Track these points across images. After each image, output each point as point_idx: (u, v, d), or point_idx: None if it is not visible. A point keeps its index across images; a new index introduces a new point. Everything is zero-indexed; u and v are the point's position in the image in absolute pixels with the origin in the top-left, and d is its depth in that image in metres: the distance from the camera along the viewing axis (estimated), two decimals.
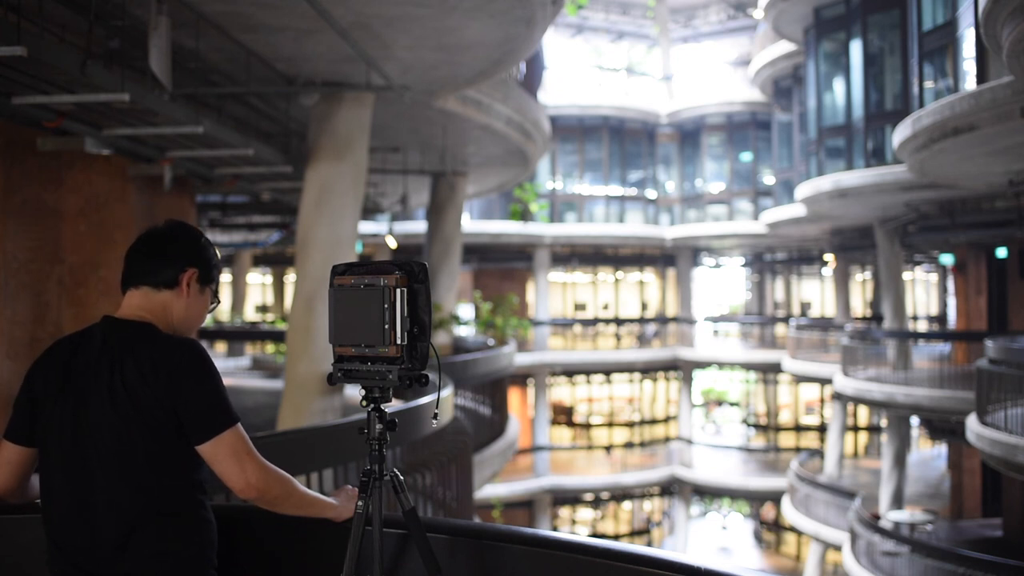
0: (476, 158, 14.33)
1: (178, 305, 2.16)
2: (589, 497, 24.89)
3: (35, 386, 2.10)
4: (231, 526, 2.28)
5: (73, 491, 2.03)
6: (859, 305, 29.32)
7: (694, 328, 26.73)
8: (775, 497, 22.79)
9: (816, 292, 32.14)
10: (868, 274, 28.69)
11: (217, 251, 2.28)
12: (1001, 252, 16.86)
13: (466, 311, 20.28)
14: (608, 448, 25.80)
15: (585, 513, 25.92)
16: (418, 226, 19.52)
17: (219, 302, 2.28)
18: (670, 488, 25.77)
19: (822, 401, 26.50)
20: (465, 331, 17.77)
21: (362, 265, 2.18)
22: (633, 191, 26.18)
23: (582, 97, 25.42)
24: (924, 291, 32.46)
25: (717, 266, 32.20)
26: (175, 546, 2.02)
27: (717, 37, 27.95)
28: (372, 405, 2.19)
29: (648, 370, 26.71)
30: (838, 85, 16.13)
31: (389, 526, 2.27)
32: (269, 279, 30.39)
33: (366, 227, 18.89)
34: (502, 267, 26.00)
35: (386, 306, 2.10)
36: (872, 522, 14.45)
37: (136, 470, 2.00)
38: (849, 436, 24.32)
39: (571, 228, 24.80)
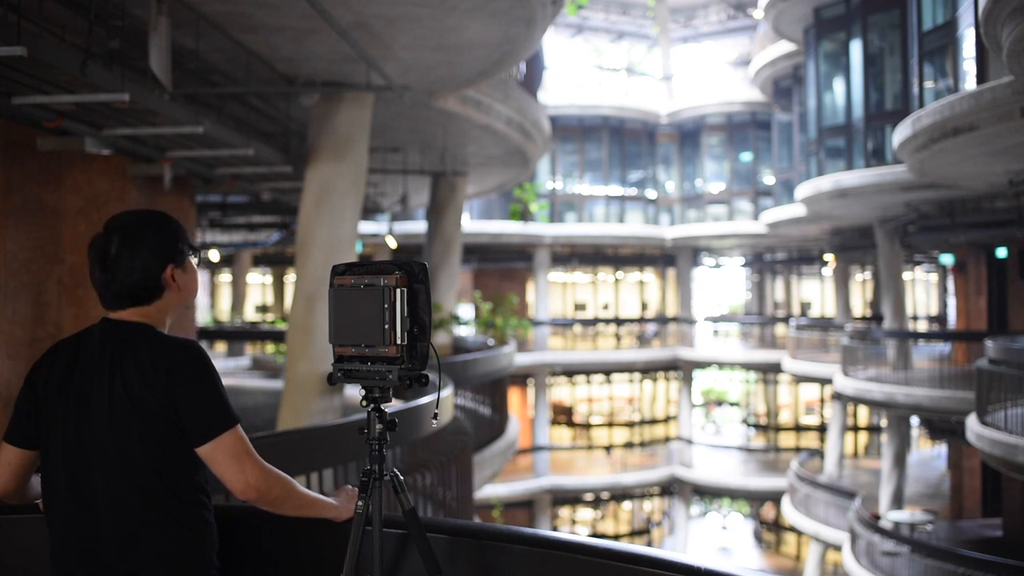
0: (476, 158, 14.33)
1: (172, 296, 2.14)
2: (589, 497, 24.89)
3: (36, 387, 2.10)
4: (231, 527, 2.28)
5: (75, 492, 2.03)
6: (859, 305, 29.32)
7: (694, 328, 26.73)
8: (775, 497, 22.78)
9: (816, 292, 32.15)
10: (868, 274, 28.69)
11: (176, 225, 2.16)
12: (1001, 252, 16.86)
13: (466, 311, 20.28)
14: (608, 448, 25.80)
15: (585, 513, 25.92)
16: (418, 226, 19.52)
17: (202, 254, 2.25)
18: (670, 488, 25.77)
19: (822, 401, 26.50)
20: (465, 331, 17.77)
21: (362, 265, 2.18)
22: (633, 191, 26.18)
23: (582, 97, 25.42)
24: (924, 291, 32.46)
25: (717, 266, 32.21)
26: (177, 547, 2.02)
27: (717, 37, 27.95)
28: (372, 405, 2.19)
29: (648, 370, 26.71)
30: (838, 85, 16.13)
31: (389, 526, 2.27)
32: (269, 279, 30.40)
33: (366, 227, 18.89)
34: (502, 267, 26.00)
35: (386, 306, 2.10)
36: (872, 522, 14.45)
37: (137, 471, 2.00)
38: (849, 436, 24.32)
39: (571, 228, 24.80)
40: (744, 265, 31.93)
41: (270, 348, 21.04)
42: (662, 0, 26.75)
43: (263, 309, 30.15)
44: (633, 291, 29.64)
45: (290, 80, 9.03)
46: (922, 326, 28.85)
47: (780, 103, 21.01)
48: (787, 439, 27.22)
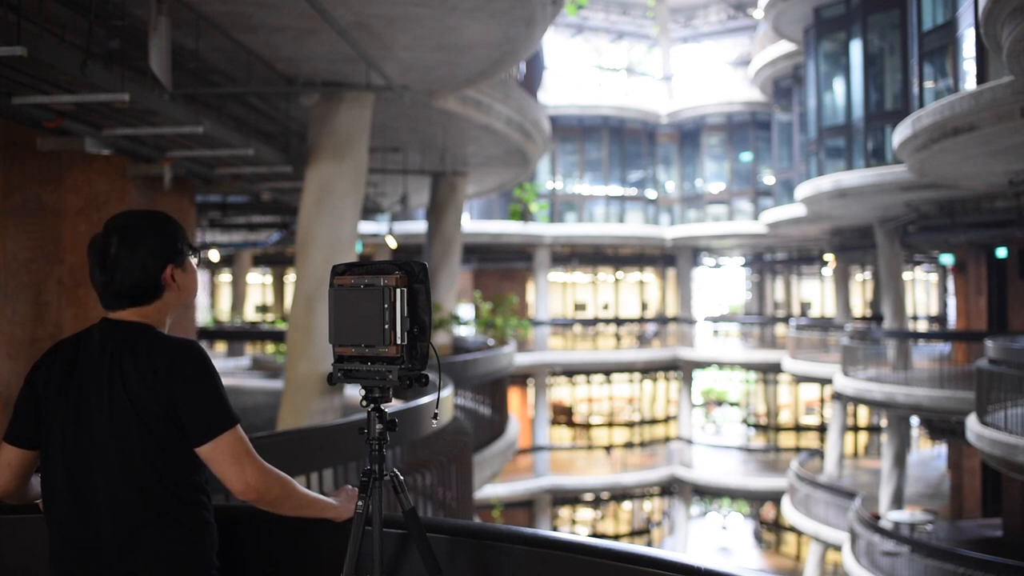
0: (476, 158, 14.33)
1: (171, 296, 2.14)
2: (589, 497, 24.89)
3: (36, 388, 2.10)
4: (231, 526, 2.28)
5: (75, 492, 2.03)
6: (859, 305, 29.32)
7: (694, 328, 26.74)
8: (775, 497, 22.78)
9: (816, 292, 32.15)
10: (868, 274, 28.70)
11: (176, 225, 2.16)
12: (1001, 252, 16.86)
13: (466, 311, 20.28)
14: (608, 448, 25.80)
15: (585, 513, 25.92)
16: (418, 226, 19.52)
17: (202, 253, 2.25)
18: (670, 488, 25.77)
19: (822, 401, 26.50)
20: (465, 331, 17.77)
21: (362, 265, 2.18)
22: (633, 191, 26.18)
23: (582, 97, 25.42)
24: (924, 291, 32.47)
25: (717, 266, 32.21)
26: (176, 547, 2.02)
27: (717, 37, 27.95)
28: (372, 405, 2.18)
29: (648, 370, 26.71)
30: (838, 85, 16.13)
31: (389, 526, 2.27)
32: (269, 279, 30.40)
33: (366, 227, 18.89)
34: (502, 267, 26.00)
35: (386, 306, 2.10)
36: (872, 522, 14.45)
37: (136, 471, 2.00)
38: (849, 436, 24.32)
39: (571, 228, 24.80)
40: (744, 265, 31.93)
41: (270, 348, 21.04)
42: (662, 0, 26.75)
43: (263, 309, 30.15)
44: (633, 291, 29.64)
45: (290, 80, 9.03)
46: (922, 326, 28.85)
47: (780, 103, 21.01)
48: (787, 439, 27.22)
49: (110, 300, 2.11)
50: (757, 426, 29.10)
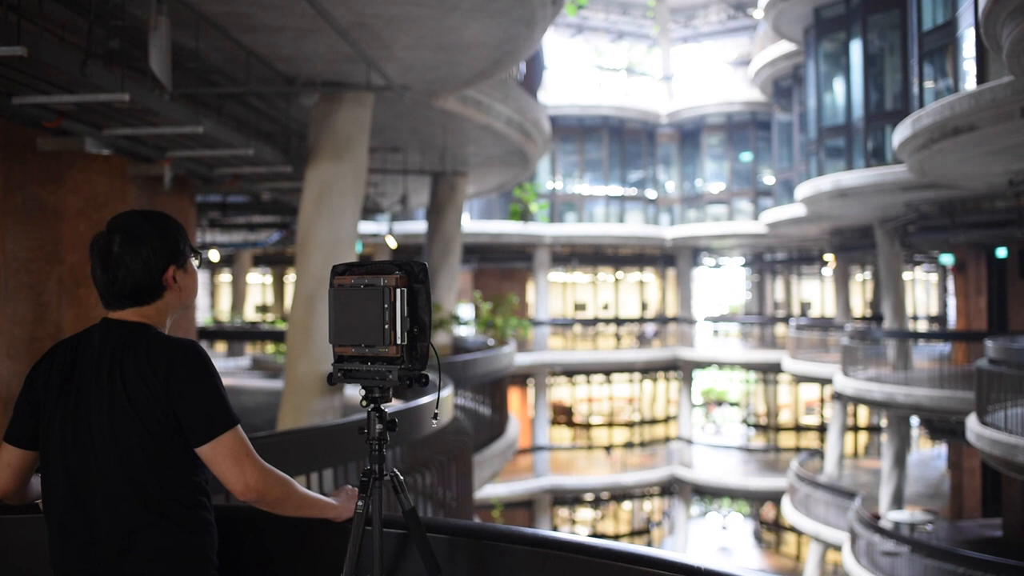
0: (476, 158, 14.33)
1: (172, 297, 2.15)
2: (589, 497, 24.89)
3: (36, 388, 2.10)
4: (232, 526, 2.28)
5: (74, 492, 2.03)
6: (859, 305, 29.32)
7: (694, 328, 26.74)
8: (775, 497, 22.79)
9: (816, 292, 32.15)
10: (868, 274, 28.70)
11: (177, 226, 2.16)
12: (1001, 252, 16.86)
13: (466, 311, 20.29)
14: (608, 448, 25.80)
15: (585, 513, 25.93)
16: (418, 226, 19.53)
17: (203, 255, 2.24)
18: (670, 488, 25.77)
19: (822, 401, 26.51)
20: (465, 331, 17.77)
21: (362, 265, 2.18)
22: (633, 191, 26.18)
23: (582, 97, 25.42)
24: (924, 291, 32.46)
25: (717, 266, 32.20)
26: (176, 547, 2.01)
27: (717, 37, 27.96)
28: (372, 405, 2.18)
29: (648, 370, 26.71)
30: (838, 85, 16.13)
31: (389, 526, 2.27)
32: (269, 279, 30.41)
33: (366, 227, 18.90)
34: (502, 267, 26.00)
35: (386, 306, 2.09)
36: (872, 522, 14.45)
37: (136, 471, 2.00)
38: (849, 436, 24.32)
39: (571, 228, 24.80)
40: (744, 265, 31.93)
41: (270, 348, 21.05)
42: (662, 0, 26.75)
43: (263, 309, 30.15)
44: (633, 291, 29.65)
45: (290, 80, 9.03)
46: (922, 326, 28.85)
47: (780, 103, 21.01)
48: (787, 439, 27.22)
49: (112, 299, 2.11)
50: (757, 426, 29.10)
